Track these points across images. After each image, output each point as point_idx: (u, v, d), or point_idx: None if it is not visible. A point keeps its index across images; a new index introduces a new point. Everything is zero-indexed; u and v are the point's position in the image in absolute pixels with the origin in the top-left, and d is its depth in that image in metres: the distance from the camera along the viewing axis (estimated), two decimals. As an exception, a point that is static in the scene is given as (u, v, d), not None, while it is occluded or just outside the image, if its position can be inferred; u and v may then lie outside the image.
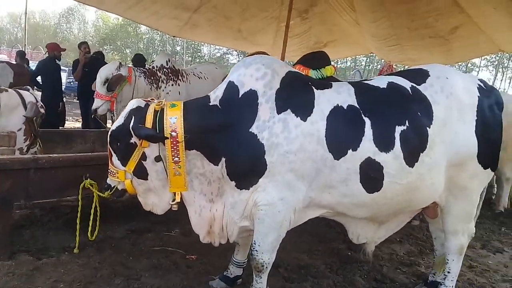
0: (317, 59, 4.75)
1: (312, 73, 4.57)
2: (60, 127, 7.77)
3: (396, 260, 4.20)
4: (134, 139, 2.58)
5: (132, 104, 2.71)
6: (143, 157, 2.60)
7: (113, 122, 5.29)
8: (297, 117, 2.61)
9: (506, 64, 42.51)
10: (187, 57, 47.80)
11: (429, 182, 2.84)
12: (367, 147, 2.65)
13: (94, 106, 4.99)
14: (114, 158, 2.69)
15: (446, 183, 2.94)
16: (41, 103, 4.06)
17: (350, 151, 2.64)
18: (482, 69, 43.40)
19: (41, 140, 4.18)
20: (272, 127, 2.57)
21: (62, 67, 8.52)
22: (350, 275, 3.73)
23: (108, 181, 2.79)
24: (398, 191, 2.77)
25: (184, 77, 5.83)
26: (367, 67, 42.95)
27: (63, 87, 8.49)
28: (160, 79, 5.54)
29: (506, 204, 6.26)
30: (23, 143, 3.78)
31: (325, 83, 2.92)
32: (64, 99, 8.49)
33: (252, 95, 2.64)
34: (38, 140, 4.02)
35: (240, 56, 41.29)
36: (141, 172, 2.64)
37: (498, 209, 6.20)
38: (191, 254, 3.76)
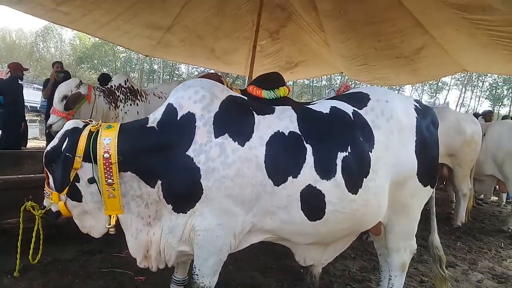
0: (270, 79, 4.84)
1: (265, 94, 4.65)
2: (22, 147, 7.66)
3: (348, 276, 4.24)
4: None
5: (68, 125, 2.68)
6: (76, 178, 2.55)
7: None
8: (234, 141, 2.60)
9: (475, 83, 43.72)
10: (165, 76, 47.82)
11: (375, 205, 2.86)
12: (308, 174, 2.64)
13: (49, 122, 4.90)
14: (50, 180, 2.65)
15: (389, 203, 2.98)
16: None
17: (290, 178, 2.62)
18: (452, 87, 44.55)
19: (-9, 162, 4.12)
20: (208, 151, 2.55)
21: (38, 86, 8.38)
22: None
23: (44, 202, 2.74)
24: (341, 219, 2.76)
25: (143, 96, 5.82)
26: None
27: (38, 105, 8.39)
28: (119, 98, 5.52)
29: (464, 219, 6.39)
30: None
31: (267, 108, 2.91)
32: (39, 118, 8.37)
33: (190, 118, 2.63)
34: None
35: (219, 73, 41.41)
36: (74, 194, 2.60)
37: (456, 224, 6.32)
38: (139, 275, 3.72)
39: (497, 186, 7.40)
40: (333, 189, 2.68)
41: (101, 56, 48.80)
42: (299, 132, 2.73)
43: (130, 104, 5.59)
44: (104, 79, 8.51)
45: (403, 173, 2.94)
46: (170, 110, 2.69)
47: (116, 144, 2.50)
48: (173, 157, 2.56)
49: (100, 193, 2.56)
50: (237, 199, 2.60)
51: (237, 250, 2.81)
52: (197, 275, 2.73)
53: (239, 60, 11.12)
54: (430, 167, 3.10)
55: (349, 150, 2.75)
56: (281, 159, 2.64)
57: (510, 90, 42.63)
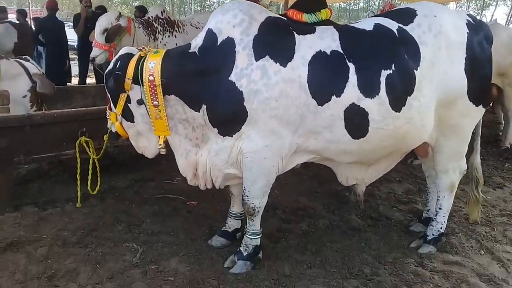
0: (311, 2, 4.63)
1: (306, 17, 4.47)
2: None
3: (393, 199, 4.28)
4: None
5: (123, 50, 2.81)
6: (128, 99, 2.70)
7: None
8: (276, 63, 2.59)
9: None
10: (196, 7, 46.65)
11: (419, 124, 2.83)
12: (351, 93, 2.63)
13: (92, 55, 5.00)
14: (111, 103, 2.82)
15: (436, 123, 2.93)
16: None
17: (333, 97, 2.63)
18: (500, 3, 41.39)
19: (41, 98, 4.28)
20: (250, 74, 2.56)
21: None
22: (346, 214, 3.84)
23: (108, 125, 2.95)
24: (384, 137, 2.78)
25: (180, 28, 5.76)
26: (380, 7, 41.35)
27: (75, 43, 8.45)
28: (157, 30, 5.50)
29: (512, 140, 6.20)
30: (29, 109, 3.95)
31: (308, 28, 2.87)
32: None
33: (229, 43, 2.63)
34: (44, 106, 4.18)
35: (252, 2, 40.04)
36: (128, 115, 2.76)
37: (504, 146, 6.15)
38: (192, 200, 3.91)
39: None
40: (376, 106, 2.67)
41: (131, -11, 47.84)
42: (341, 51, 2.70)
43: (168, 36, 5.57)
44: (141, 11, 8.44)
45: (451, 92, 2.86)
46: (210, 36, 2.68)
47: (159, 68, 2.59)
48: (216, 82, 2.61)
49: (149, 114, 2.69)
50: (282, 120, 2.63)
51: (284, 172, 2.88)
52: (247, 196, 2.84)
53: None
54: (482, 85, 2.99)
55: (393, 68, 2.70)
56: (324, 79, 2.64)
57: None
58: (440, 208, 3.27)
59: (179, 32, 5.71)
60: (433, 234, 3.28)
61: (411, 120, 2.79)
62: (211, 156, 2.79)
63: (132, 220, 3.49)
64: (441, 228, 3.28)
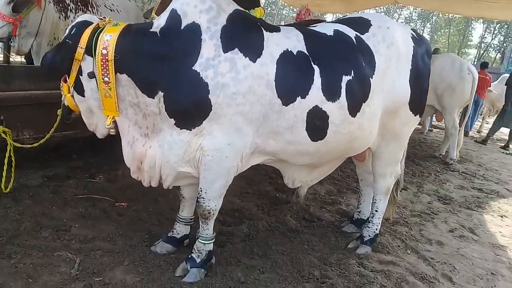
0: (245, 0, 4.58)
1: (242, 13, 4.41)
2: None
3: (320, 200, 4.44)
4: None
5: (81, 17, 2.55)
6: (80, 71, 2.45)
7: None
8: (245, 57, 2.48)
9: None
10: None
11: (368, 131, 2.96)
12: (316, 96, 2.64)
13: None
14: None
15: (379, 130, 3.08)
16: None
17: (299, 98, 2.60)
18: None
19: None
20: (217, 66, 2.41)
21: None
22: (281, 215, 3.87)
23: (62, 98, 2.66)
24: (340, 141, 2.84)
25: (94, 8, 5.22)
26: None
27: None
28: (69, 7, 4.90)
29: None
30: None
31: (274, 26, 2.82)
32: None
33: (194, 29, 2.44)
34: None
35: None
36: (79, 88, 2.51)
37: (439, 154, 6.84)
38: (120, 201, 3.57)
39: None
40: (337, 110, 2.72)
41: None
42: (306, 52, 2.68)
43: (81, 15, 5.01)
44: None
45: (397, 101, 3.04)
46: (174, 17, 2.47)
47: (115, 42, 2.36)
48: (176, 70, 2.41)
49: (98, 90, 2.45)
50: (247, 118, 2.52)
51: (238, 173, 2.77)
52: (203, 198, 2.67)
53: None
54: (421, 96, 3.23)
55: (352, 74, 2.77)
56: (291, 79, 2.60)
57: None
58: (376, 211, 3.46)
59: (93, 13, 5.17)
60: (369, 235, 3.45)
61: (362, 126, 2.89)
62: (163, 150, 2.56)
63: (57, 224, 3.06)
64: (376, 229, 3.47)
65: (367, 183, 3.71)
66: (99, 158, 4.26)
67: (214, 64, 2.41)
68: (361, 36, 2.93)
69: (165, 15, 2.50)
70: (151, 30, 2.47)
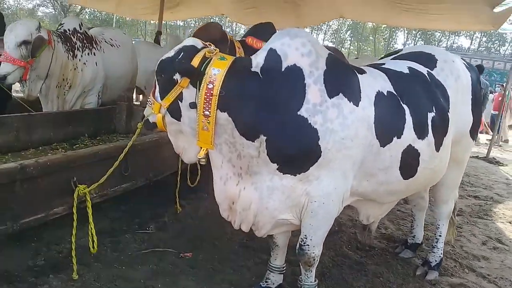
0: (267, 30, 4.58)
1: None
2: None
3: (360, 226, 4.42)
4: (176, 76, 2.37)
5: (188, 41, 2.52)
6: (180, 97, 2.39)
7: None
8: (350, 102, 2.48)
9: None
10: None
11: (444, 162, 3.05)
12: (409, 135, 2.69)
13: (2, 72, 3.81)
14: (157, 90, 2.51)
15: None
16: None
17: (395, 139, 2.64)
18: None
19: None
20: (325, 112, 2.39)
21: None
22: (336, 247, 3.86)
23: (145, 111, 2.64)
24: (426, 175, 2.91)
25: (97, 44, 4.96)
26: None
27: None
28: (76, 46, 4.60)
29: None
30: None
31: (360, 67, 2.83)
32: None
33: (297, 73, 2.40)
34: None
35: (57, 8, 36.54)
36: (175, 111, 2.44)
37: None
38: (184, 252, 3.39)
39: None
40: (425, 147, 2.79)
41: None
42: (395, 92, 2.73)
43: (88, 54, 4.73)
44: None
45: (462, 130, 3.18)
46: (273, 58, 2.41)
47: (222, 78, 2.30)
48: (280, 114, 2.36)
49: (197, 121, 2.39)
50: (352, 161, 2.52)
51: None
52: (307, 245, 2.62)
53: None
54: (479, 121, 3.41)
55: (434, 110, 2.86)
56: (387, 120, 2.63)
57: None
58: (440, 235, 3.57)
59: (97, 49, 4.91)
60: (435, 260, 3.56)
61: (442, 159, 2.99)
62: (261, 195, 2.48)
63: (136, 286, 2.87)
64: (441, 254, 3.59)
65: (420, 208, 3.83)
66: (136, 207, 4.01)
67: (322, 110, 2.39)
68: (432, 71, 3.03)
69: (262, 54, 2.45)
70: (252, 69, 2.40)
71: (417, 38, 44.17)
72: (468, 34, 40.64)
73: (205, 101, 2.31)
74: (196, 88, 2.34)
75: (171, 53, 2.44)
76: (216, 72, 2.31)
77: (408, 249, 3.88)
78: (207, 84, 2.30)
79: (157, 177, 3.61)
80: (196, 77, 2.32)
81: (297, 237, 2.69)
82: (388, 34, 46.19)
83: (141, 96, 8.45)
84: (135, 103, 6.90)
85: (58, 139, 4.08)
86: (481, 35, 41.63)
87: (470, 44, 43.69)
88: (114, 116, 4.71)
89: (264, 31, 4.53)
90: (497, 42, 44.59)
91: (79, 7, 30.51)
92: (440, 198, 3.50)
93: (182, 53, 2.40)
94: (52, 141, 4.02)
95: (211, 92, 2.29)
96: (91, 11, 32.54)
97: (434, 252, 3.57)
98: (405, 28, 37.04)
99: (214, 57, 2.38)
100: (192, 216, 4.10)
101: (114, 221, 3.74)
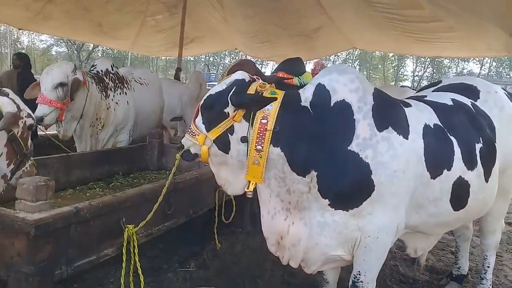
0: (297, 65, 4.65)
1: (296, 80, 4.45)
2: None
3: (398, 257, 4.38)
4: (228, 110, 2.37)
5: (238, 75, 2.50)
6: (231, 130, 2.38)
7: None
8: (399, 135, 2.48)
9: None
10: (4, 49, 40.81)
11: (493, 192, 3.00)
12: (458, 166, 2.67)
13: (39, 113, 3.82)
14: (199, 120, 2.47)
15: None
16: (28, 111, 2.84)
17: (445, 171, 2.62)
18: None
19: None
20: (376, 146, 2.39)
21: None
22: (381, 281, 3.73)
23: (183, 140, 2.55)
24: (476, 207, 2.87)
25: (128, 83, 5.05)
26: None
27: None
28: (108, 86, 4.69)
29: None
30: (6, 169, 2.58)
31: (403, 101, 2.85)
32: None
33: (346, 108, 2.42)
34: (26, 160, 2.75)
35: (71, 48, 37.19)
36: (223, 144, 2.41)
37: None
38: (226, 289, 3.33)
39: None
40: (475, 178, 2.75)
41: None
42: (441, 124, 2.72)
43: (120, 93, 4.82)
44: (21, 59, 7.31)
45: (507, 160, 3.12)
46: (322, 93, 2.43)
47: (276, 113, 2.30)
48: (332, 149, 2.36)
49: (247, 155, 2.36)
50: (404, 193, 2.49)
51: None
52: (361, 282, 2.57)
53: (128, 35, 10.71)
54: None
55: (481, 141, 2.83)
56: (436, 152, 2.61)
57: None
58: (488, 266, 3.49)
59: (128, 89, 4.99)
60: (485, 291, 3.45)
61: (491, 190, 2.95)
62: (311, 232, 2.45)
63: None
64: (490, 285, 3.49)
65: (465, 239, 3.76)
66: (173, 244, 3.97)
67: (372, 144, 2.38)
68: (475, 102, 3.02)
69: (310, 89, 2.48)
70: (302, 104, 2.42)
71: (426, 65, 44.32)
72: (478, 59, 40.49)
73: (258, 135, 2.31)
74: (249, 123, 2.35)
75: (221, 87, 2.45)
76: (270, 107, 2.32)
77: (453, 281, 3.78)
78: (261, 119, 2.31)
79: (196, 213, 3.58)
80: (256, 109, 2.33)
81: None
82: (396, 62, 46.43)
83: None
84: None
85: (94, 178, 4.10)
86: (490, 60, 41.57)
87: (480, 69, 43.65)
88: (146, 153, 4.73)
89: (293, 66, 4.59)
90: (507, 67, 44.53)
91: (91, 45, 31.20)
92: (487, 228, 3.43)
93: (235, 87, 2.41)
94: (88, 180, 4.03)
95: (265, 127, 2.30)
96: (104, 49, 33.08)
97: (483, 284, 3.48)
98: (413, 56, 37.26)
99: (265, 91, 2.39)
100: (229, 252, 4.04)
101: (154, 260, 3.69)
